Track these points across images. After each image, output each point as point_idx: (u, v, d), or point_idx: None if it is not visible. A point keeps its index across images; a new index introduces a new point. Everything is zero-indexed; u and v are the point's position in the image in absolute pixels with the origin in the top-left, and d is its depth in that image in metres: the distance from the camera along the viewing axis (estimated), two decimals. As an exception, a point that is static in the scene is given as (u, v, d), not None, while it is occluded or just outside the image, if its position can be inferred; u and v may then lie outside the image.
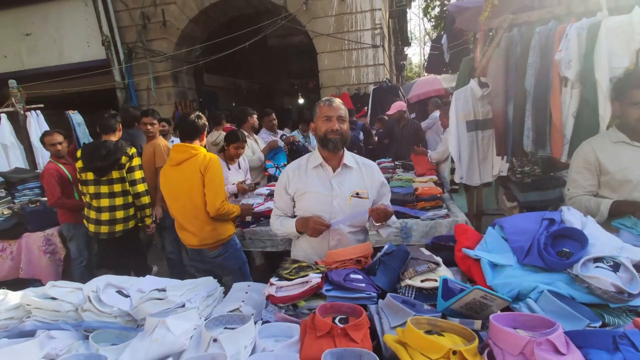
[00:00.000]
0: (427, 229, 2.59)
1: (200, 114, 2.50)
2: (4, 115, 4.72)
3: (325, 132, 1.75)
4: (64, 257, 3.70)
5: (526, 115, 2.38)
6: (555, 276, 1.22)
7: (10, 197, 4.02)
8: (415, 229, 2.60)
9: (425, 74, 11.89)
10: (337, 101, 1.79)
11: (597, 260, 1.18)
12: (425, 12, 21.71)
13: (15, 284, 3.65)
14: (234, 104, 12.17)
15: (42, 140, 3.55)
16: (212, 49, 8.23)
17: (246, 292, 1.58)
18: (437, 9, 18.71)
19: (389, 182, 3.23)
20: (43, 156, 4.78)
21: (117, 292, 1.43)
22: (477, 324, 1.09)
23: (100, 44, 8.18)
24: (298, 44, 10.38)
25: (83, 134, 5.37)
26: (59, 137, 3.48)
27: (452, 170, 3.17)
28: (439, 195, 2.80)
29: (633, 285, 1.12)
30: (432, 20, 20.66)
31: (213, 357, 1.04)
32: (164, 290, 1.41)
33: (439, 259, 1.43)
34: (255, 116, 4.47)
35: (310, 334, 1.09)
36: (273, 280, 1.38)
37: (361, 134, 6.58)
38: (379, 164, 4.22)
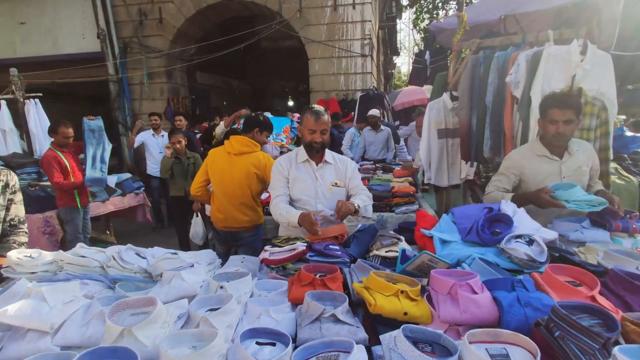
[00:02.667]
0: (400, 221, 2.94)
1: (261, 113, 2.96)
2: (3, 102, 4.87)
3: (310, 141, 2.17)
4: (61, 239, 3.90)
5: (486, 126, 2.76)
6: (487, 249, 1.58)
7: (8, 181, 4.19)
8: (390, 221, 2.95)
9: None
10: (323, 115, 2.15)
11: (517, 237, 1.55)
12: (415, 23, 22.41)
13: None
14: (225, 103, 12.38)
15: (55, 129, 3.76)
16: (206, 48, 8.48)
17: (242, 262, 1.88)
18: (426, 21, 19.40)
19: (369, 181, 3.59)
20: (40, 143, 4.95)
21: (135, 254, 1.72)
22: (424, 281, 1.43)
23: (96, 36, 8.32)
24: (290, 47, 10.72)
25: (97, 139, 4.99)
26: (71, 132, 3.74)
27: (424, 173, 3.54)
28: (412, 192, 3.16)
29: (542, 256, 1.49)
30: (421, 32, 21.36)
31: (221, 297, 1.35)
32: (175, 253, 1.71)
33: (401, 237, 1.77)
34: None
35: (296, 284, 1.41)
36: (267, 247, 1.70)
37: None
38: (361, 165, 4.58)
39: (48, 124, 5.15)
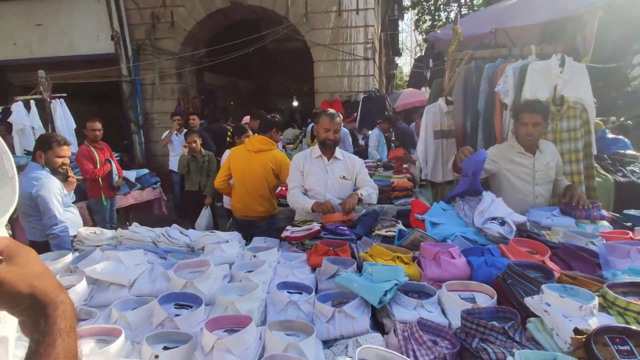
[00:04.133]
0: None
1: (275, 115, 3.33)
2: (32, 102, 5.24)
3: (324, 138, 2.57)
4: (90, 227, 4.27)
5: (479, 129, 3.12)
6: (468, 229, 1.94)
7: (40, 174, 4.56)
8: (389, 212, 3.29)
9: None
10: (337, 118, 2.58)
11: (492, 219, 1.91)
12: (417, 25, 22.70)
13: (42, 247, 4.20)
14: (232, 103, 12.73)
15: (84, 125, 4.13)
16: (215, 50, 8.83)
17: (265, 241, 2.25)
18: (428, 22, 19.70)
19: (372, 177, 3.95)
20: (66, 140, 5.32)
21: (180, 232, 2.09)
22: (416, 253, 1.79)
23: (110, 38, 8.67)
24: (294, 49, 11.06)
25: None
26: (99, 125, 4.08)
27: (421, 170, 3.90)
28: (409, 187, 3.52)
29: (511, 234, 1.85)
30: (423, 33, 21.66)
31: (255, 263, 1.71)
32: (213, 232, 2.07)
33: (399, 220, 2.13)
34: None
35: (314, 254, 1.78)
36: (288, 227, 2.07)
37: (350, 137, 7.30)
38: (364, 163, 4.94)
39: (73, 122, 5.53)
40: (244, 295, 1.40)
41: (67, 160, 2.68)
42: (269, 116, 3.29)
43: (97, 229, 2.07)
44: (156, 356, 1.09)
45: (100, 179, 4.18)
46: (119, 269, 1.58)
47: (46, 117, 5.33)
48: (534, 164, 2.47)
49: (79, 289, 1.49)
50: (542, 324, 1.13)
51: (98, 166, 4.18)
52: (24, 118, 5.12)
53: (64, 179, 2.71)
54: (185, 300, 1.41)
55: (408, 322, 1.20)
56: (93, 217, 4.23)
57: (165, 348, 1.17)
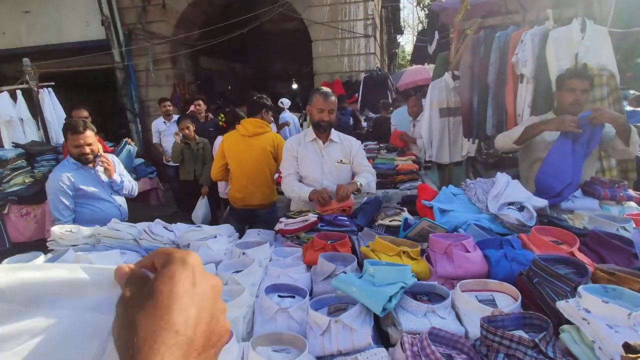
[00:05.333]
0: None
1: (262, 95, 3.14)
2: (19, 92, 5.02)
3: (318, 120, 2.34)
4: (83, 221, 4.13)
5: (488, 105, 2.87)
6: (482, 216, 1.73)
7: (30, 167, 4.40)
8: (394, 197, 3.08)
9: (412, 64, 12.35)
10: (331, 96, 2.34)
11: (510, 204, 1.70)
12: (419, 1, 21.93)
13: (40, 245, 4.08)
14: (229, 87, 12.43)
15: (70, 114, 3.92)
16: (210, 32, 8.50)
17: (258, 234, 2.07)
18: (430, -2, 19.00)
19: (374, 160, 3.73)
20: (56, 131, 5.11)
21: (163, 227, 1.90)
22: (424, 245, 1.60)
23: (100, 24, 8.37)
24: (292, 29, 10.67)
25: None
26: (85, 113, 3.87)
27: (425, 151, 3.68)
28: (415, 170, 3.31)
29: (531, 221, 1.64)
30: (425, 9, 20.90)
31: (244, 261, 1.53)
32: (200, 226, 1.89)
33: (404, 208, 1.93)
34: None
35: (310, 249, 1.59)
36: (282, 219, 1.87)
37: (351, 119, 7.05)
38: (365, 146, 4.70)
39: (62, 112, 5.32)
40: (229, 302, 1.22)
41: (88, 149, 2.42)
42: (256, 97, 3.05)
43: (74, 227, 1.90)
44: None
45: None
46: (90, 273, 1.41)
47: (34, 108, 5.12)
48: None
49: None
50: (580, 334, 0.93)
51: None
52: (10, 109, 4.90)
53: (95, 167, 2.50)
54: (161, 309, 1.23)
55: (417, 333, 1.02)
56: (86, 211, 4.07)
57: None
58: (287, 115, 6.47)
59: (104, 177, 2.54)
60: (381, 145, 4.77)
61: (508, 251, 1.33)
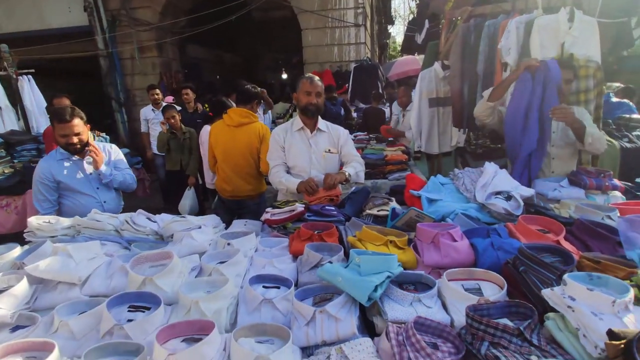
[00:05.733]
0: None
1: (254, 85, 3.02)
2: (-3, 80, 4.86)
3: (306, 103, 2.30)
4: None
5: (477, 94, 2.86)
6: (469, 205, 1.73)
7: (9, 157, 4.26)
8: (383, 187, 3.10)
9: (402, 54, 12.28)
10: (316, 79, 2.31)
11: (497, 193, 1.70)
12: (411, -10, 21.73)
13: (21, 237, 3.98)
14: (218, 77, 12.22)
15: (50, 102, 3.79)
16: (197, 20, 8.30)
17: (244, 225, 2.03)
18: (421, -12, 18.84)
19: (363, 150, 3.71)
20: (36, 119, 4.98)
21: (146, 218, 1.85)
22: (412, 234, 1.59)
23: (82, 9, 8.10)
24: (281, 18, 10.48)
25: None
26: (66, 101, 3.74)
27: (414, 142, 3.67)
28: (404, 160, 3.30)
29: (518, 210, 1.64)
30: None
31: (229, 252, 1.50)
32: (184, 217, 1.84)
33: (392, 198, 1.91)
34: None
35: (296, 240, 1.56)
36: (268, 209, 1.84)
37: (342, 109, 7.00)
38: (355, 137, 4.67)
39: (43, 100, 5.16)
40: (212, 293, 1.19)
41: (75, 139, 2.26)
42: (247, 86, 2.98)
43: (52, 218, 1.83)
44: (95, 377, 0.89)
45: None
46: (67, 265, 1.36)
47: (14, 96, 4.96)
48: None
49: (18, 291, 1.27)
50: (565, 322, 0.93)
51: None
52: (-12, 97, 4.76)
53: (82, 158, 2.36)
54: (141, 301, 1.20)
55: (403, 322, 1.00)
56: (69, 202, 3.97)
57: (110, 366, 0.97)
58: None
59: (90, 169, 2.39)
60: (371, 135, 4.75)
61: (495, 240, 1.33)
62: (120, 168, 2.51)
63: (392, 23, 21.90)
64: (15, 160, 4.29)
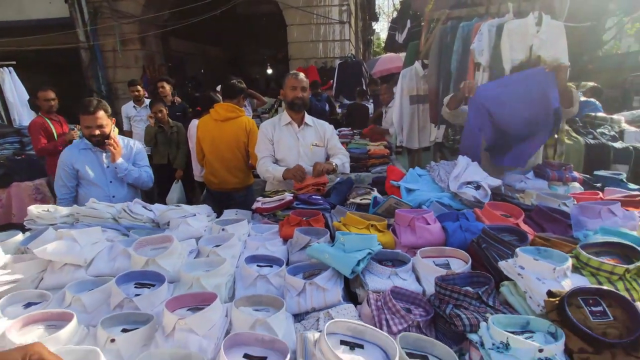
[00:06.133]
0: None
1: (240, 80, 3.10)
2: (-24, 71, 4.78)
3: (292, 98, 2.44)
4: (52, 205, 4.04)
5: (451, 91, 3.04)
6: (443, 194, 1.90)
7: (-8, 150, 4.23)
8: (366, 180, 3.25)
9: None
10: (301, 75, 2.48)
11: (468, 183, 1.88)
12: (394, -12, 21.92)
13: (7, 229, 3.96)
14: (202, 71, 12.13)
15: (35, 95, 3.78)
16: (181, 13, 8.25)
17: (236, 214, 2.15)
18: (404, -14, 19.05)
19: (347, 145, 3.86)
20: (18, 112, 4.92)
21: (142, 207, 1.95)
22: (391, 220, 1.75)
23: (63, 1, 7.94)
24: (267, 13, 10.50)
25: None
26: (52, 94, 3.74)
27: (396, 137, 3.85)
28: (386, 154, 3.47)
29: (486, 198, 1.83)
30: (400, -4, 21.00)
31: (224, 236, 1.62)
32: (179, 205, 1.95)
33: (374, 188, 2.07)
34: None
35: (286, 225, 1.70)
36: (259, 198, 1.97)
37: (327, 105, 7.13)
38: (340, 132, 4.82)
39: (25, 92, 5.10)
40: (210, 271, 1.32)
41: (98, 131, 2.31)
42: (233, 81, 3.08)
43: (51, 207, 1.91)
44: (112, 340, 1.01)
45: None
46: (73, 248, 1.46)
47: (-6, 88, 4.89)
48: None
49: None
50: (516, 288, 1.11)
51: (56, 139, 3.89)
52: (-32, 89, 4.68)
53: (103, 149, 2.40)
54: (146, 279, 1.31)
55: (381, 292, 1.16)
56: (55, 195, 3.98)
57: (125, 330, 1.09)
58: None
59: (108, 162, 2.43)
60: (355, 131, 4.91)
61: (463, 223, 1.50)
62: (138, 165, 2.55)
63: (376, 20, 22.09)
64: (-2, 153, 4.26)
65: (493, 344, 0.88)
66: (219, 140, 2.94)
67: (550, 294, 0.98)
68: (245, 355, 0.93)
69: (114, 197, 2.43)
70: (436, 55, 3.05)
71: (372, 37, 21.83)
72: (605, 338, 0.85)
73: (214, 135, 2.94)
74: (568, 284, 1.04)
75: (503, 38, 2.64)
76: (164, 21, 8.72)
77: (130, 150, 2.55)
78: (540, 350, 0.84)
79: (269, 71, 15.17)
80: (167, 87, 5.11)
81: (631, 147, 3.55)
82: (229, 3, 7.92)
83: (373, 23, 21.18)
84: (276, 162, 2.52)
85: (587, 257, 1.10)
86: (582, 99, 4.68)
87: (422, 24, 3.75)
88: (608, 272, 1.06)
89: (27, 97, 5.13)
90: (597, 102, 4.65)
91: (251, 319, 1.03)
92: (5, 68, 4.93)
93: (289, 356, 0.88)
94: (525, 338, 0.89)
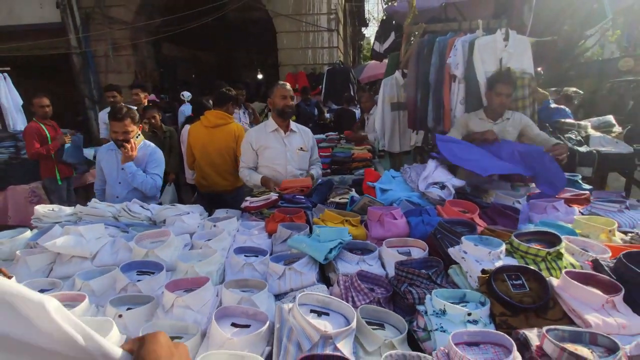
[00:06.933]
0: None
1: (230, 87, 3.36)
2: (-30, 77, 4.88)
3: (283, 106, 2.66)
4: (47, 208, 4.16)
5: (429, 101, 3.28)
6: (413, 193, 2.13)
7: (-13, 155, 4.34)
8: (348, 182, 3.47)
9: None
10: (289, 85, 2.72)
11: (434, 184, 2.10)
12: (383, -6, 22.35)
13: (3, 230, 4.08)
14: (193, 76, 12.27)
15: (30, 102, 3.92)
16: (173, 18, 8.41)
17: (226, 212, 2.34)
18: (393, -8, 19.45)
19: (333, 149, 4.08)
20: (13, 117, 5.03)
21: (140, 206, 2.14)
22: (365, 217, 1.96)
23: (55, 6, 8.04)
24: (257, 19, 10.71)
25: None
26: (46, 101, 3.89)
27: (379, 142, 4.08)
28: (368, 158, 3.69)
29: (449, 197, 2.05)
30: (390, 2, 21.40)
31: (215, 232, 1.82)
32: (174, 205, 2.14)
33: (352, 188, 2.29)
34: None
35: (271, 221, 1.90)
36: (247, 198, 2.17)
37: (316, 110, 7.37)
38: (327, 136, 5.04)
39: (19, 98, 5.21)
40: (203, 260, 1.51)
41: (122, 137, 2.51)
42: (223, 89, 3.29)
43: (56, 207, 2.08)
44: (120, 315, 1.19)
45: (53, 156, 4.03)
46: (80, 242, 1.64)
47: (-12, 94, 4.99)
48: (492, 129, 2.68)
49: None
50: (460, 269, 1.32)
51: (50, 143, 4.03)
52: (-37, 94, 4.79)
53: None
54: (147, 268, 1.50)
55: (349, 274, 1.36)
56: (50, 198, 4.11)
57: (129, 309, 1.27)
58: (187, 108, 6.09)
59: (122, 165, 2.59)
60: (341, 135, 5.13)
61: (425, 218, 1.72)
62: (147, 171, 2.69)
63: (366, 25, 22.46)
64: (-6, 157, 4.36)
65: (433, 311, 1.10)
66: (209, 146, 3.13)
67: (483, 272, 1.20)
68: (233, 324, 1.13)
69: (117, 197, 2.61)
70: (414, 66, 3.28)
71: (362, 42, 22.21)
72: (520, 304, 1.08)
73: (205, 141, 3.14)
74: (500, 264, 1.26)
75: (475, 53, 2.88)
76: (155, 27, 8.87)
77: (146, 155, 2.71)
78: (469, 314, 1.06)
79: (260, 76, 15.37)
80: (142, 94, 4.82)
81: (594, 151, 3.83)
82: (220, 10, 8.12)
83: (363, 28, 21.59)
84: (264, 166, 2.72)
85: (518, 243, 1.32)
86: (553, 105, 4.99)
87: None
88: (533, 255, 1.28)
89: (21, 102, 5.25)
90: (567, 109, 4.95)
91: (238, 297, 1.23)
92: (1, 74, 5.04)
93: (267, 323, 1.08)
94: (461, 307, 1.11)
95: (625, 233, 1.63)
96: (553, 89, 7.53)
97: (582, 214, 1.91)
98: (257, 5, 8.41)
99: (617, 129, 4.52)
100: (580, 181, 2.62)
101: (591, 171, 3.79)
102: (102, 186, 2.77)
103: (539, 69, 5.15)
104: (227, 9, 8.23)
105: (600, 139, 4.06)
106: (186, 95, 6.64)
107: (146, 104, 5.06)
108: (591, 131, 4.30)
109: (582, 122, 4.45)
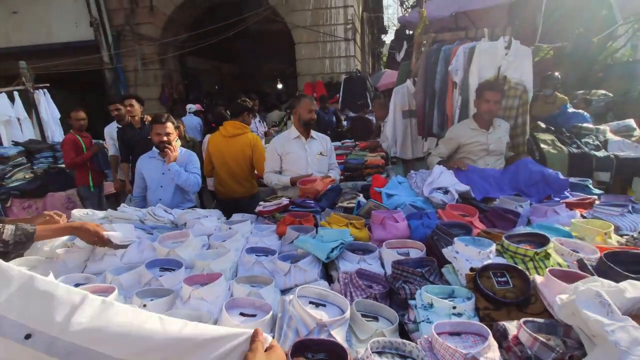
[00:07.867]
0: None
1: (245, 98, 3.60)
2: (15, 93, 5.32)
3: (309, 119, 2.93)
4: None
5: (435, 108, 3.37)
6: (418, 198, 2.22)
7: (29, 164, 4.72)
8: (356, 188, 3.58)
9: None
10: (314, 100, 3.01)
11: (438, 188, 2.19)
12: (402, 1, 22.45)
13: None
14: (216, 87, 12.72)
15: (68, 115, 4.27)
16: (197, 33, 8.83)
17: (242, 216, 2.51)
18: (412, -1, 19.49)
19: (347, 156, 4.20)
20: (51, 130, 5.45)
21: (164, 210, 2.33)
22: (369, 220, 2.07)
23: (89, 25, 8.62)
24: (277, 31, 11.04)
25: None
26: (82, 114, 4.22)
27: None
28: (381, 164, 3.79)
29: (452, 201, 2.13)
30: (410, 9, 21.42)
31: (230, 233, 1.97)
32: (194, 209, 2.32)
33: (360, 193, 2.40)
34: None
35: (282, 224, 2.04)
36: (260, 203, 2.33)
37: (334, 118, 7.52)
38: (343, 143, 5.17)
39: (57, 111, 5.64)
40: (218, 259, 1.66)
41: (165, 138, 2.79)
42: (238, 100, 3.50)
43: (89, 210, 2.30)
44: (144, 305, 1.36)
45: (87, 164, 4.35)
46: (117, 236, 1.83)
47: (30, 108, 5.43)
48: (487, 138, 2.74)
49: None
50: (453, 268, 1.41)
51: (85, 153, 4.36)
52: (9, 109, 5.21)
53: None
54: (168, 265, 1.67)
55: (349, 272, 1.48)
56: (84, 204, 4.43)
57: (152, 300, 1.43)
58: (189, 119, 6.57)
59: (164, 169, 2.84)
60: (356, 143, 5.25)
61: (425, 221, 1.81)
62: (189, 170, 2.94)
63: (386, 32, 22.57)
64: (35, 167, 4.74)
65: (422, 305, 1.20)
66: (227, 155, 3.33)
67: (471, 269, 1.29)
68: (241, 313, 1.27)
69: (160, 199, 2.84)
70: (422, 74, 3.38)
71: (381, 50, 22.31)
72: (503, 299, 1.16)
73: (222, 150, 3.34)
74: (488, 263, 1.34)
75: (474, 58, 2.96)
76: (181, 42, 9.32)
77: (186, 159, 2.98)
78: (454, 307, 1.16)
79: (279, 86, 15.73)
80: (136, 105, 4.18)
81: (612, 156, 3.77)
82: (241, 25, 8.46)
83: (383, 36, 21.69)
84: (287, 170, 2.96)
85: (507, 243, 1.40)
86: (571, 110, 4.92)
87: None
88: (522, 255, 1.36)
89: (59, 115, 5.67)
90: (585, 113, 4.87)
91: (247, 291, 1.37)
92: (40, 90, 5.47)
93: (271, 313, 1.21)
94: (450, 301, 1.21)
95: (623, 236, 1.66)
96: (580, 91, 7.35)
97: (585, 217, 1.95)
98: (276, 18, 8.70)
99: (638, 132, 4.41)
100: (590, 186, 2.63)
101: (609, 176, 3.73)
102: (142, 193, 2.99)
103: (556, 73, 5.08)
104: (248, 22, 8.56)
105: (619, 143, 3.99)
106: (192, 107, 6.97)
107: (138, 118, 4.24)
108: (610, 135, 4.21)
109: (601, 127, 4.37)
